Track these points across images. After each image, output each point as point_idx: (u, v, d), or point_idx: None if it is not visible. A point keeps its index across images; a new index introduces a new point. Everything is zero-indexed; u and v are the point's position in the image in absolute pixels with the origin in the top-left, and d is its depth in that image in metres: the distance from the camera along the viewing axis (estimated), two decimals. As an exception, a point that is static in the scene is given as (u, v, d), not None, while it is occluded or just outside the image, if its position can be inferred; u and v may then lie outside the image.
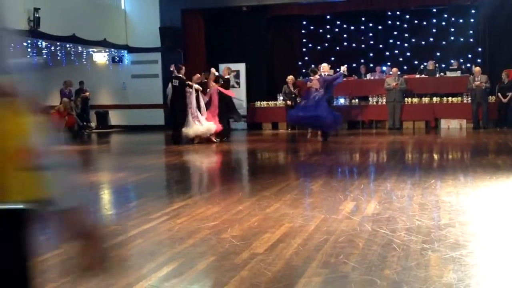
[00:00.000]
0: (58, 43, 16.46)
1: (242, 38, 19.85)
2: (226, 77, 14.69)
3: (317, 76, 13.69)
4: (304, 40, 20.57)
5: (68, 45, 16.94)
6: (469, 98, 16.12)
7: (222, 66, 18.16)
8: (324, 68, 14.18)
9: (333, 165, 9.82)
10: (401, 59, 19.39)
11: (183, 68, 13.44)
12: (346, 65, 14.14)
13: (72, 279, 3.59)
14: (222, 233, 4.67)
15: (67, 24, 15.97)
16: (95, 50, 18.71)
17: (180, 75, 13.06)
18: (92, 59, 19.01)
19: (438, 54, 18.78)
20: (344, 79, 17.96)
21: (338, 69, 15.37)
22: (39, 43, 15.86)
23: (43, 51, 16.67)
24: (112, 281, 3.53)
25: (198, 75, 13.60)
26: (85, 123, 18.64)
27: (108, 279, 3.55)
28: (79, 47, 17.56)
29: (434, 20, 19.35)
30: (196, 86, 13.00)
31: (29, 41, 15.37)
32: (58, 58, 17.30)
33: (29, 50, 15.97)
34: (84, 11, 16.89)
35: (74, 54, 17.72)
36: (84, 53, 18.35)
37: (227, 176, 8.83)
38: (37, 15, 14.57)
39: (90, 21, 17.06)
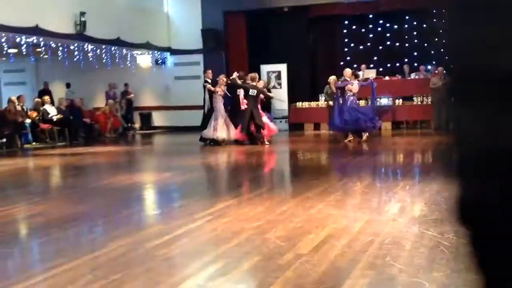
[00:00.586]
0: (103, 46, 16.82)
1: (283, 39, 19.83)
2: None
3: (356, 81, 13.67)
4: (346, 40, 20.41)
5: (113, 48, 17.28)
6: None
7: (264, 68, 18.25)
8: (347, 73, 13.85)
9: (377, 166, 9.71)
10: (447, 57, 18.98)
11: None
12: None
13: (121, 277, 3.66)
14: (266, 234, 4.67)
15: (112, 27, 16.31)
16: (139, 52, 19.04)
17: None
18: (136, 62, 19.36)
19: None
20: (387, 78, 17.83)
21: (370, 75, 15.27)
22: (85, 46, 16.22)
23: (89, 54, 17.05)
24: (158, 279, 3.58)
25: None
26: (129, 125, 18.98)
27: (155, 277, 3.61)
28: (124, 50, 17.89)
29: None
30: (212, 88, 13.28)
31: (75, 45, 15.75)
32: (104, 60, 17.67)
33: (75, 53, 16.37)
34: (128, 15, 17.22)
35: (118, 56, 18.06)
36: (129, 56, 18.69)
37: (270, 177, 8.84)
38: (83, 19, 14.92)
39: (134, 25, 17.38)
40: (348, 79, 13.52)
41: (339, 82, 13.86)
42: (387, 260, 3.82)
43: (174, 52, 19.59)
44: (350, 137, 13.35)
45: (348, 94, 13.55)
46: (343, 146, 12.99)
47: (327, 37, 20.26)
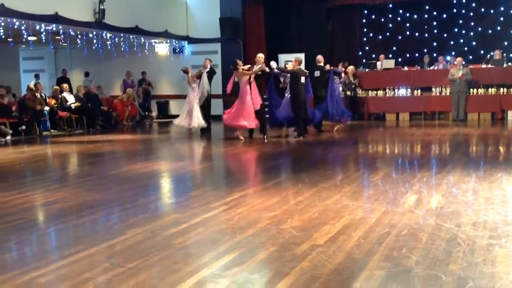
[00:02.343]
0: (121, 35, 16.85)
1: (302, 28, 19.74)
2: (208, 69, 13.71)
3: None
4: (364, 30, 20.23)
5: (131, 37, 17.31)
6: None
7: (282, 57, 18.16)
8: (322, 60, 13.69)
9: (393, 157, 9.65)
10: (466, 48, 18.77)
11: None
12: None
13: (137, 265, 3.69)
14: (282, 224, 4.67)
15: (130, 16, 16.34)
16: (157, 41, 19.06)
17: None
18: (154, 50, 19.38)
19: (505, 43, 18.06)
20: (406, 68, 17.65)
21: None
22: (103, 34, 16.27)
23: (108, 42, 17.10)
24: (174, 267, 3.60)
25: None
26: (146, 113, 19.05)
27: (171, 266, 3.63)
28: (142, 38, 17.91)
29: (502, 8, 18.60)
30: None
31: (94, 33, 15.80)
32: (122, 49, 17.71)
33: (94, 41, 16.42)
34: (147, 3, 17.23)
35: (137, 45, 18.10)
36: (147, 44, 18.72)
37: (286, 167, 8.83)
38: (102, 7, 14.96)
39: (153, 13, 17.39)
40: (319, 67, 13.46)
41: (337, 68, 14.07)
42: (403, 252, 3.80)
43: (192, 40, 19.58)
44: (337, 126, 13.68)
45: (337, 82, 13.55)
46: (360, 136, 12.94)
47: (346, 27, 20.08)
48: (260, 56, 12.39)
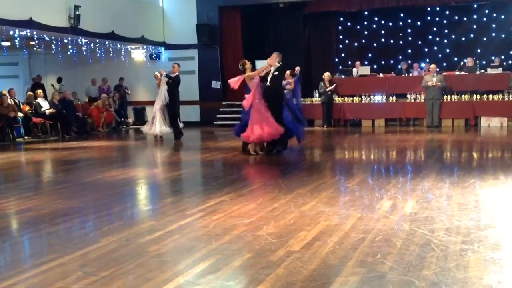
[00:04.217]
0: (97, 40, 16.73)
1: (278, 35, 19.83)
2: (175, 74, 13.66)
3: (292, 78, 12.54)
4: (340, 37, 20.41)
5: (107, 42, 17.19)
6: (510, 95, 15.78)
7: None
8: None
9: (369, 163, 9.73)
10: (440, 55, 19.05)
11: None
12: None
13: (111, 273, 3.65)
14: (258, 230, 4.67)
15: (106, 21, 16.24)
16: (133, 47, 18.97)
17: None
18: (130, 56, 19.28)
19: (478, 50, 18.39)
20: (381, 75, 17.81)
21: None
22: (79, 40, 16.13)
23: (83, 48, 16.96)
24: (149, 275, 3.57)
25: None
26: (122, 119, 18.91)
27: (146, 274, 3.60)
28: (118, 44, 17.81)
29: (475, 16, 18.94)
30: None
31: (69, 38, 15.65)
32: (98, 55, 17.59)
33: (69, 47, 16.27)
34: (123, 9, 17.14)
35: (113, 51, 17.98)
36: (123, 50, 18.61)
37: (262, 173, 8.83)
38: (78, 13, 14.84)
39: (129, 19, 17.31)
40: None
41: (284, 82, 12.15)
42: (377, 257, 3.83)
43: (168, 46, 19.54)
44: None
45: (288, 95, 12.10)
46: (336, 143, 13.01)
47: (322, 33, 20.24)
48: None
